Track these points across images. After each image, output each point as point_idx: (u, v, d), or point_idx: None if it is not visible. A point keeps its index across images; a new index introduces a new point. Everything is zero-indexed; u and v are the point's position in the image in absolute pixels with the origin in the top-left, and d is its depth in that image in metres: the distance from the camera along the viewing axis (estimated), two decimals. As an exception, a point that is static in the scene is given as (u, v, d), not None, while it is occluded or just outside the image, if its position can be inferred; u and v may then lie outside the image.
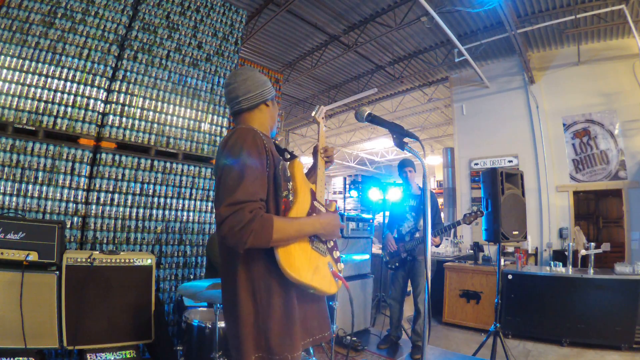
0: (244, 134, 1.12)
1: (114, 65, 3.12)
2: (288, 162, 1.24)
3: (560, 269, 4.07)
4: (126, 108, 3.12)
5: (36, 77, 2.74)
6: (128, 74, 3.16)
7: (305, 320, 1.17)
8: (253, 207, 1.01)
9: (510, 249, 5.85)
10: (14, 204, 2.56)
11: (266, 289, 1.09)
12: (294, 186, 1.19)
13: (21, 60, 2.69)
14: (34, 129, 2.69)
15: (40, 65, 2.76)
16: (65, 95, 2.85)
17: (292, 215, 1.13)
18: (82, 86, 2.92)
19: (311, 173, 1.41)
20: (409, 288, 3.65)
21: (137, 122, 3.17)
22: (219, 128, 3.69)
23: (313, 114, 1.38)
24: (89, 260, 2.32)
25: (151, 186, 3.18)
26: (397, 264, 3.54)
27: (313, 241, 1.18)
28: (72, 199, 2.79)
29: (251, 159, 1.07)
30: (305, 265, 1.10)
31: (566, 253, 4.53)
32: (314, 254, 1.17)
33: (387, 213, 3.85)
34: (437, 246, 3.66)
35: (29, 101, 2.70)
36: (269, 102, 1.32)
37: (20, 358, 2.03)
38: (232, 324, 1.11)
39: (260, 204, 1.05)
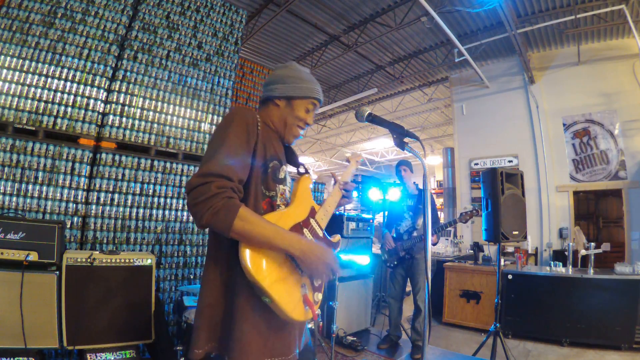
0: (239, 111, 1.07)
1: (114, 65, 3.11)
2: (298, 175, 1.19)
3: (560, 269, 4.07)
4: (126, 108, 3.12)
5: (36, 77, 2.74)
6: (128, 74, 3.16)
7: (269, 336, 1.01)
8: (223, 184, 0.91)
9: (510, 249, 5.85)
10: (14, 204, 2.56)
11: (231, 285, 1.00)
12: (292, 196, 1.12)
13: (21, 60, 2.69)
14: (34, 129, 2.69)
15: (40, 65, 2.76)
16: (65, 95, 2.85)
17: (271, 219, 0.98)
18: (82, 86, 2.92)
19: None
20: (408, 288, 3.65)
21: (137, 122, 3.17)
22: (219, 128, 3.68)
23: (348, 155, 1.34)
24: (89, 260, 2.32)
25: (151, 186, 3.18)
26: (395, 263, 3.55)
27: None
28: (72, 199, 2.79)
29: (237, 133, 1.01)
30: (269, 267, 0.95)
31: (566, 253, 4.53)
32: (288, 264, 1.01)
33: (387, 213, 3.86)
34: (434, 244, 3.68)
35: (29, 101, 2.70)
36: (279, 101, 1.19)
37: (20, 358, 2.02)
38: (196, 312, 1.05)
39: (233, 185, 0.94)
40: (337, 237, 1.25)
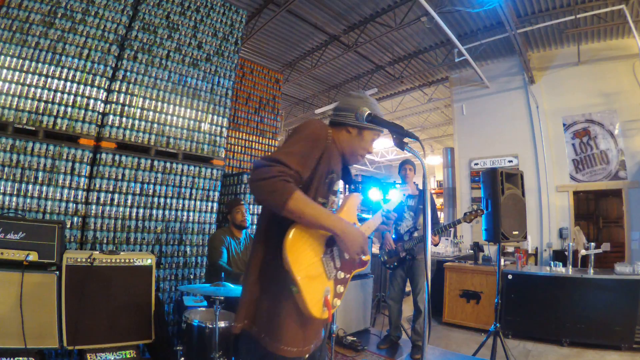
0: (316, 123, 1.19)
1: (114, 65, 3.12)
2: (350, 192, 1.29)
3: (560, 269, 4.07)
4: (126, 108, 3.12)
5: (36, 77, 2.74)
6: (128, 74, 3.16)
7: (301, 323, 1.12)
8: (283, 170, 1.02)
9: (510, 249, 5.85)
10: (14, 204, 2.56)
11: (271, 271, 1.12)
12: (339, 209, 1.24)
13: (21, 60, 2.69)
14: (34, 129, 2.69)
15: (40, 65, 2.76)
16: (65, 95, 2.85)
17: None
18: (82, 86, 2.92)
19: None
20: (408, 288, 3.65)
21: (137, 122, 3.17)
22: (219, 128, 3.69)
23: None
24: (89, 260, 2.31)
25: (151, 186, 3.18)
26: (395, 264, 3.54)
27: (326, 254, 1.15)
28: (72, 199, 2.79)
29: (308, 140, 1.13)
30: (304, 263, 1.06)
31: (566, 253, 4.52)
32: (320, 266, 1.13)
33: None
34: (436, 245, 3.66)
35: (29, 101, 2.70)
36: (352, 129, 1.29)
37: (20, 358, 2.02)
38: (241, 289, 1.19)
39: (293, 173, 1.04)
40: (367, 257, 1.33)
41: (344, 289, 1.21)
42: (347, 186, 1.45)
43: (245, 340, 1.14)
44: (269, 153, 1.10)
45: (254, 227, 3.93)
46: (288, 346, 1.09)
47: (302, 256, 1.06)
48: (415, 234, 3.43)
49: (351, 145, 1.30)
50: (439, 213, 11.27)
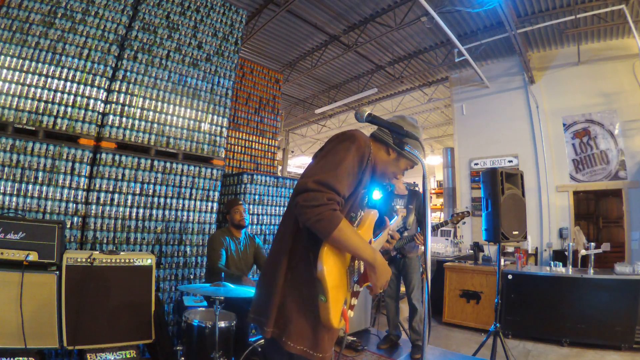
0: (362, 137, 1.17)
1: (114, 65, 3.12)
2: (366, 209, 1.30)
3: (560, 269, 4.07)
4: (126, 108, 3.12)
5: (36, 77, 2.74)
6: (128, 74, 3.16)
7: (319, 330, 1.15)
8: (333, 197, 1.03)
9: (510, 249, 5.84)
10: (14, 204, 2.56)
11: (294, 277, 1.13)
12: (360, 224, 1.24)
13: (21, 60, 2.69)
14: (34, 129, 2.69)
15: (40, 65, 2.76)
16: (65, 95, 2.85)
17: None
18: (82, 86, 2.92)
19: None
20: (403, 288, 3.65)
21: (137, 122, 3.17)
22: (219, 128, 3.69)
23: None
24: (89, 260, 2.32)
25: (151, 186, 3.18)
26: (387, 262, 3.54)
27: (351, 266, 1.17)
28: (72, 199, 2.79)
29: (355, 159, 1.12)
30: (335, 274, 1.09)
31: (566, 253, 4.53)
32: (345, 278, 1.15)
33: None
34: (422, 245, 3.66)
35: (29, 101, 2.70)
36: (392, 152, 1.29)
37: (20, 358, 2.02)
38: (263, 291, 1.18)
39: (339, 199, 1.06)
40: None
41: (356, 302, 1.24)
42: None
43: (275, 347, 1.14)
44: (316, 169, 1.09)
45: (253, 227, 3.93)
46: (319, 353, 1.13)
47: (334, 267, 1.08)
48: (405, 234, 3.42)
49: (385, 166, 1.30)
50: (438, 213, 11.30)
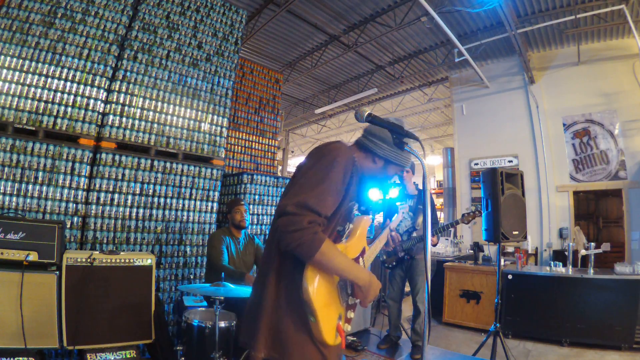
0: (344, 150, 1.13)
1: (114, 65, 3.12)
2: (358, 215, 1.25)
3: (560, 269, 4.07)
4: (126, 108, 3.12)
5: (36, 77, 2.74)
6: (128, 74, 3.16)
7: (320, 350, 1.11)
8: (314, 219, 1.00)
9: (510, 249, 5.85)
10: (14, 204, 2.56)
11: (285, 297, 1.09)
12: (352, 232, 1.20)
13: (21, 60, 2.69)
14: (34, 129, 2.69)
15: (40, 65, 2.76)
16: (65, 95, 2.85)
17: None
18: (82, 86, 2.92)
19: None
20: (408, 288, 3.64)
21: (137, 122, 3.17)
22: (219, 128, 3.69)
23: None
24: (89, 260, 2.31)
25: (151, 186, 3.18)
26: (394, 263, 3.54)
27: (341, 281, 1.14)
28: (72, 199, 2.79)
29: (337, 174, 1.08)
30: (323, 293, 1.05)
31: (566, 253, 4.52)
32: (335, 293, 1.12)
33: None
34: (435, 245, 3.66)
35: (29, 101, 2.70)
36: (378, 160, 1.24)
37: (20, 358, 2.02)
38: (253, 315, 1.14)
39: (322, 220, 1.03)
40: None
41: (353, 315, 1.21)
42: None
43: None
44: (295, 189, 1.06)
45: (253, 227, 3.93)
46: None
47: (322, 286, 1.05)
48: (414, 234, 3.43)
49: (373, 174, 1.27)
50: (438, 213, 11.28)
